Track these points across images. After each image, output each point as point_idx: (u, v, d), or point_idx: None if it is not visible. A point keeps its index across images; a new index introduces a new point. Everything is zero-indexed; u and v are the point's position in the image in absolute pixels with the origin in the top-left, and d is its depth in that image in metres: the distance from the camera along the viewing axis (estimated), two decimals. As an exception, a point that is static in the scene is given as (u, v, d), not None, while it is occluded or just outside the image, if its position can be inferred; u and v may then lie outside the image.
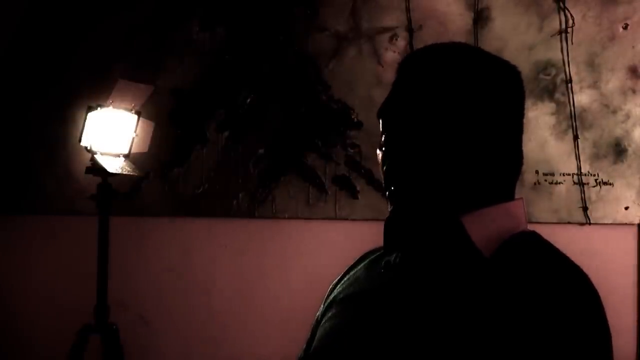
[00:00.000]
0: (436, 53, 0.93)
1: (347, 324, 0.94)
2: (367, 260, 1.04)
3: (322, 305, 1.05)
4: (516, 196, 0.95)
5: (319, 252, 2.51)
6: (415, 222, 0.91)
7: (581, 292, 0.82)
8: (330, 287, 1.07)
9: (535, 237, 0.90)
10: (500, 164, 0.91)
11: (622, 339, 2.38)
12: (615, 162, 2.43)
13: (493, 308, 0.80)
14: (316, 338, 0.99)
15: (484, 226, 0.88)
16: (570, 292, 0.80)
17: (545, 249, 0.88)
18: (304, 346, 1.05)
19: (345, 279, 1.04)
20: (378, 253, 1.02)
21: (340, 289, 1.02)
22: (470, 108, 0.89)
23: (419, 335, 0.83)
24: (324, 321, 1.00)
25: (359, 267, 1.04)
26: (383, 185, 0.93)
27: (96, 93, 2.39)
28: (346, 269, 1.08)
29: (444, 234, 0.89)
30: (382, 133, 0.92)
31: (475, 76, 0.90)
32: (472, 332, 0.79)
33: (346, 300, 0.98)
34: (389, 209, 0.92)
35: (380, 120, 0.93)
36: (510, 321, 0.78)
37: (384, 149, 0.91)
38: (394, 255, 0.94)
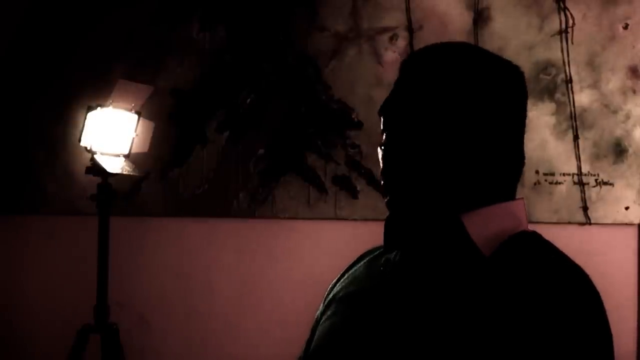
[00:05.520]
0: (441, 52, 0.93)
1: (346, 323, 0.94)
2: (367, 258, 1.04)
3: (321, 304, 1.05)
4: (516, 196, 0.95)
5: (319, 252, 2.51)
6: (416, 220, 0.91)
7: (582, 292, 0.81)
8: (330, 285, 1.07)
9: (536, 237, 0.90)
10: (501, 164, 0.91)
11: (622, 339, 2.37)
12: (615, 162, 2.43)
13: (493, 307, 0.79)
14: (315, 337, 0.99)
15: (484, 225, 0.88)
16: (571, 292, 0.80)
17: (546, 249, 0.88)
18: (304, 346, 1.05)
19: (345, 277, 1.04)
20: (378, 251, 1.02)
21: (340, 287, 1.02)
22: (473, 108, 0.89)
23: (418, 334, 0.83)
24: (323, 320, 1.00)
25: (359, 265, 1.04)
26: (382, 183, 0.92)
27: (96, 93, 2.40)
28: (346, 267, 1.08)
29: (443, 232, 0.89)
30: (383, 131, 0.92)
31: (479, 76, 0.90)
32: (471, 331, 0.79)
33: (345, 298, 0.98)
34: (386, 202, 0.92)
35: (382, 118, 0.92)
36: (510, 320, 0.78)
37: (384, 147, 0.91)
38: (394, 253, 0.94)
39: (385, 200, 0.91)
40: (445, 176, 0.88)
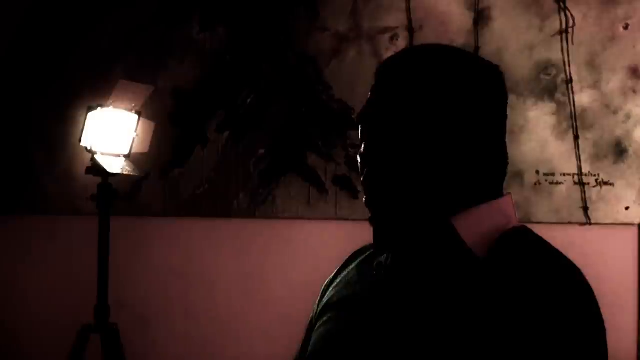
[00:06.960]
0: (415, 56, 0.93)
1: (341, 329, 0.93)
2: (358, 260, 1.03)
3: (315, 307, 1.05)
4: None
5: (319, 252, 2.51)
6: (405, 224, 0.90)
7: (574, 287, 0.82)
8: (323, 288, 1.07)
9: (527, 233, 0.90)
10: (485, 164, 0.90)
11: (622, 339, 2.37)
12: (615, 162, 2.43)
13: (488, 310, 0.79)
14: (311, 342, 0.99)
15: (475, 225, 0.88)
16: (563, 288, 0.81)
17: (538, 246, 0.88)
18: (299, 348, 1.05)
19: (338, 280, 1.04)
20: (368, 252, 1.01)
21: (334, 291, 1.01)
22: (451, 109, 0.88)
23: (414, 339, 0.83)
24: (318, 325, 0.99)
25: (350, 267, 1.03)
26: (364, 192, 0.92)
27: (96, 93, 2.40)
28: (337, 269, 1.07)
29: (435, 236, 0.88)
30: (362, 140, 0.91)
31: (455, 77, 0.90)
32: (467, 335, 0.79)
33: (340, 304, 0.97)
34: (369, 218, 0.92)
35: (360, 127, 0.92)
36: (504, 322, 0.78)
37: (364, 156, 0.91)
38: (385, 256, 0.94)
39: (369, 216, 0.91)
40: (430, 181, 0.87)
